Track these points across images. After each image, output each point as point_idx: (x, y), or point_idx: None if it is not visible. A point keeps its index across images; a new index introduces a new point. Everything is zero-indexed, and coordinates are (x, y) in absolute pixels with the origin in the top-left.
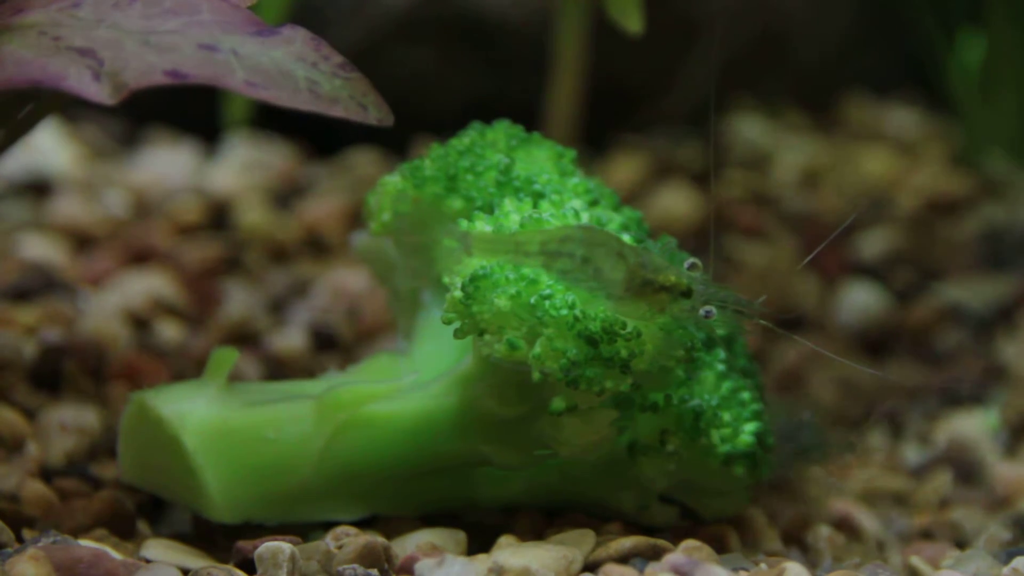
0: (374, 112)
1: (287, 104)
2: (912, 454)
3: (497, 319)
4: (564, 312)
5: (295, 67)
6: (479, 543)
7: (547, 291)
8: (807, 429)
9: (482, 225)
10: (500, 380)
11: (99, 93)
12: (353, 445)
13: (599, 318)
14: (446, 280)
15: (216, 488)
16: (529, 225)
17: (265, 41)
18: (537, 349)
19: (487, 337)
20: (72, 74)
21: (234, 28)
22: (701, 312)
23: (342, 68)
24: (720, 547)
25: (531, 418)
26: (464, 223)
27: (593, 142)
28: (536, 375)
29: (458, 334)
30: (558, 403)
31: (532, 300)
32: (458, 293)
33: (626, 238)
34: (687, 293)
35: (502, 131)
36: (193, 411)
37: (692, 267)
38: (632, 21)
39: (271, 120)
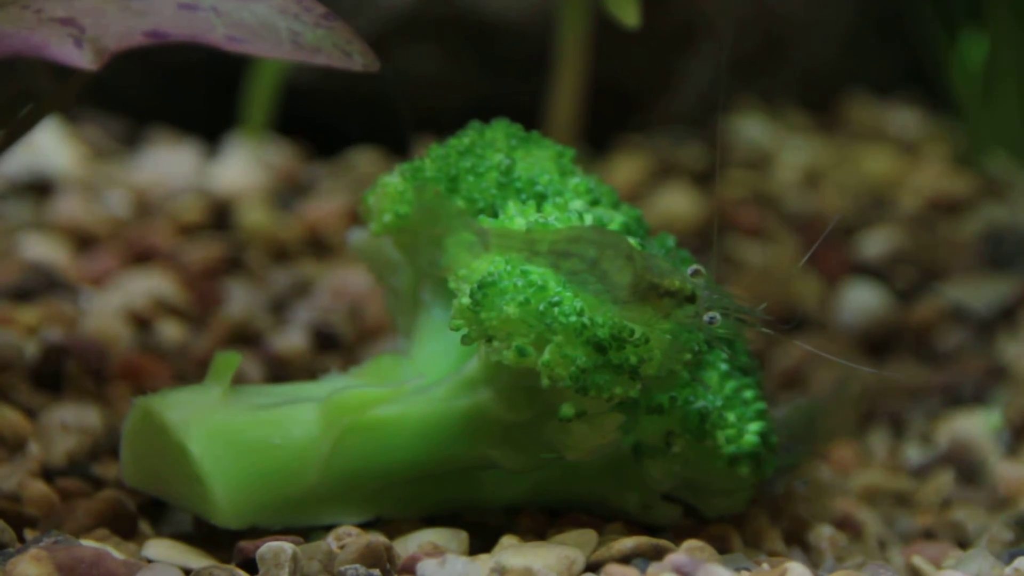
0: (359, 58)
1: (269, 55)
2: (914, 454)
3: (506, 326)
4: (573, 319)
5: (277, 19)
6: (481, 543)
7: (556, 298)
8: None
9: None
10: (507, 385)
11: (81, 58)
12: (359, 449)
13: (607, 324)
14: (452, 286)
15: (222, 494)
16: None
17: None
18: (546, 356)
19: (495, 343)
20: (54, 43)
21: None
22: (704, 318)
23: (324, 18)
24: (722, 547)
25: (538, 422)
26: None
27: (594, 142)
28: (545, 382)
29: (466, 340)
30: (567, 409)
31: (541, 307)
32: (466, 300)
33: (629, 239)
34: (691, 298)
35: (501, 130)
36: (199, 417)
37: (695, 273)
38: (628, 15)
39: (272, 120)
